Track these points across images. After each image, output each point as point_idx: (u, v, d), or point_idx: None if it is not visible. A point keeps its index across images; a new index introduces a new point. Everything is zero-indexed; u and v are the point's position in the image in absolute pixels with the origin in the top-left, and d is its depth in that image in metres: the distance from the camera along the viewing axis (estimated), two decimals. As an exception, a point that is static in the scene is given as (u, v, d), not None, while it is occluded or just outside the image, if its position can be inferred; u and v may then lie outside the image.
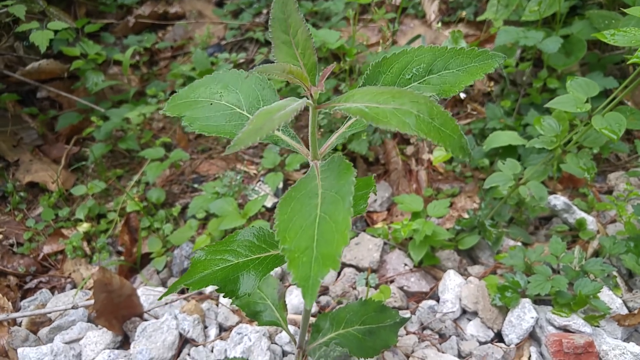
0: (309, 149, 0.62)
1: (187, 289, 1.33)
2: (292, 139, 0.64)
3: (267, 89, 0.66)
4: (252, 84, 0.67)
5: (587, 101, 1.16)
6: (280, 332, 1.17)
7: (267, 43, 2.14)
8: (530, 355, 1.09)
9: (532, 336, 1.15)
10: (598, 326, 1.11)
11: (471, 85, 2.01)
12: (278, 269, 1.32)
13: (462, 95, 1.82)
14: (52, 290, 1.39)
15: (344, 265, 1.37)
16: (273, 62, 0.58)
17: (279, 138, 0.64)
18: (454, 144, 0.48)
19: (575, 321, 1.09)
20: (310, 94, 0.54)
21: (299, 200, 0.52)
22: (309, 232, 0.47)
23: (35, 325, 1.23)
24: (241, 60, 2.06)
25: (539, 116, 1.32)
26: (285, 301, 0.94)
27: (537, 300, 1.21)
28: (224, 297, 0.64)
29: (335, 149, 1.63)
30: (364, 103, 0.51)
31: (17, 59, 2.08)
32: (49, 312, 1.18)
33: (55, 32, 1.67)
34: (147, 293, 1.29)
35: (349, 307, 0.95)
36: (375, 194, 0.77)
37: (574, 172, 1.34)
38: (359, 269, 1.35)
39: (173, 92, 2.02)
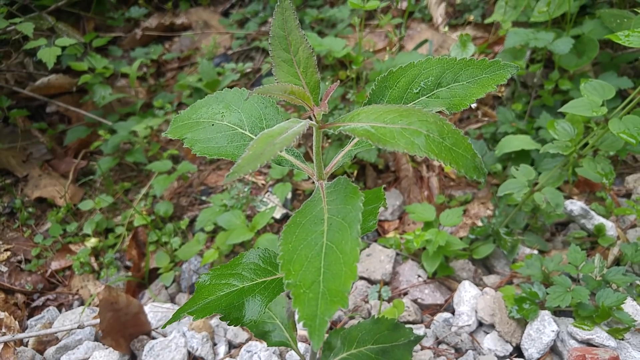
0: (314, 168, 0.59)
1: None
2: (296, 158, 0.62)
3: (269, 107, 0.64)
4: (254, 102, 0.64)
5: (602, 104, 1.12)
6: (291, 350, 1.14)
7: (273, 51, 2.12)
8: (551, 371, 1.05)
9: (553, 350, 1.11)
10: (623, 339, 1.06)
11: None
12: (287, 283, 1.29)
13: (473, 105, 1.78)
14: (60, 307, 1.39)
15: (355, 277, 1.34)
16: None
17: (282, 158, 0.61)
18: (468, 164, 0.45)
19: (599, 334, 1.04)
20: (314, 114, 0.51)
21: (304, 226, 0.49)
22: (315, 264, 0.44)
23: (42, 345, 1.22)
24: (248, 70, 2.05)
25: (552, 120, 1.28)
26: (294, 320, 0.91)
27: (557, 312, 1.16)
28: (228, 324, 0.61)
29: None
30: (369, 122, 0.48)
31: (27, 74, 2.09)
32: (55, 332, 1.17)
33: (63, 48, 1.67)
34: (155, 310, 1.27)
35: (362, 326, 0.92)
36: (386, 208, 0.74)
37: (591, 177, 1.30)
38: (371, 282, 1.32)
39: (180, 103, 2.02)
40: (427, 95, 0.58)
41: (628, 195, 1.53)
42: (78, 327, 1.14)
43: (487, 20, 1.86)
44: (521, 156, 1.55)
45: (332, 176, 0.62)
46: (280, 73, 0.53)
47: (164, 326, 0.63)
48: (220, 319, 0.61)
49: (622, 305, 1.08)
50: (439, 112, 0.55)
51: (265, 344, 1.13)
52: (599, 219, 1.39)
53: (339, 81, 0.56)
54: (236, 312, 0.62)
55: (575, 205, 1.41)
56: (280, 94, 0.49)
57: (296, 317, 1.17)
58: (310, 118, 0.52)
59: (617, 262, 1.30)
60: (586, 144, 1.22)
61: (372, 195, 0.78)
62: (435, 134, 0.45)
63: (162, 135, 0.65)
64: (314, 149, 0.56)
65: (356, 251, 0.43)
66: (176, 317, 0.63)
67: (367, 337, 0.89)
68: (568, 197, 1.51)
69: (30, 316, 1.35)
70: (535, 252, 1.35)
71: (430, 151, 0.44)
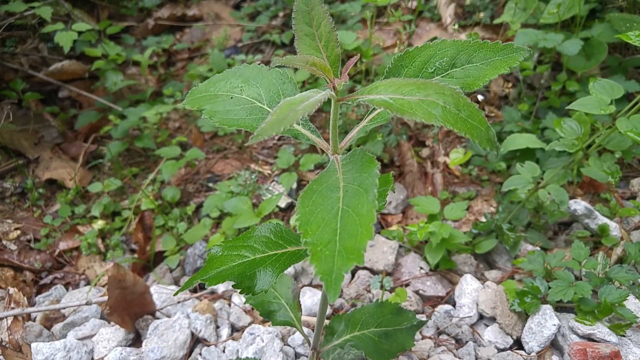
0: (328, 144, 0.61)
1: (200, 288, 1.32)
2: (312, 133, 0.63)
3: (287, 83, 0.65)
4: (273, 78, 0.66)
5: (611, 103, 1.14)
6: (293, 333, 1.16)
7: (283, 45, 2.14)
8: (551, 364, 1.06)
9: (553, 345, 1.12)
10: (624, 335, 1.07)
11: (487, 89, 1.99)
12: (291, 269, 1.31)
13: (480, 97, 1.80)
14: (67, 286, 1.40)
15: (358, 267, 1.35)
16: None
17: (299, 132, 0.63)
18: (482, 135, 0.47)
19: (600, 330, 1.05)
20: (334, 86, 0.53)
21: (320, 193, 0.51)
22: (332, 225, 0.46)
23: (49, 321, 1.24)
24: (258, 62, 2.07)
25: (559, 118, 1.29)
26: (299, 301, 0.92)
27: (559, 307, 1.18)
28: (240, 292, 0.63)
29: (349, 148, 1.61)
30: (388, 95, 0.50)
31: (41, 59, 2.12)
32: (63, 308, 1.19)
33: (79, 33, 1.70)
34: (159, 291, 1.29)
35: (365, 309, 0.93)
36: (394, 191, 0.76)
37: (597, 176, 1.32)
38: (373, 272, 1.33)
39: (189, 93, 2.04)
40: (442, 75, 0.60)
41: (633, 198, 1.54)
42: (86, 304, 1.16)
43: (496, 21, 1.88)
44: (526, 155, 1.56)
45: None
46: (302, 46, 0.55)
47: (176, 293, 0.65)
48: (232, 286, 0.63)
49: (624, 302, 1.09)
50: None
51: (268, 327, 1.15)
52: (602, 219, 1.40)
53: (358, 54, 0.58)
54: (248, 281, 0.63)
55: (580, 205, 1.42)
56: (302, 64, 0.51)
57: (301, 298, 1.18)
58: (330, 90, 0.54)
59: (620, 262, 1.31)
60: (591, 145, 1.24)
61: (382, 180, 0.80)
62: (451, 106, 0.47)
63: (179, 107, 0.67)
64: (330, 122, 0.58)
65: (372, 213, 0.44)
66: (188, 284, 0.65)
67: (371, 320, 0.91)
68: (572, 198, 1.52)
69: (38, 293, 1.37)
70: (538, 248, 1.36)
71: (447, 121, 0.46)
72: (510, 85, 1.71)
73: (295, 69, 1.65)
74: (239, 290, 0.63)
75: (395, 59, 0.61)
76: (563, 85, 1.68)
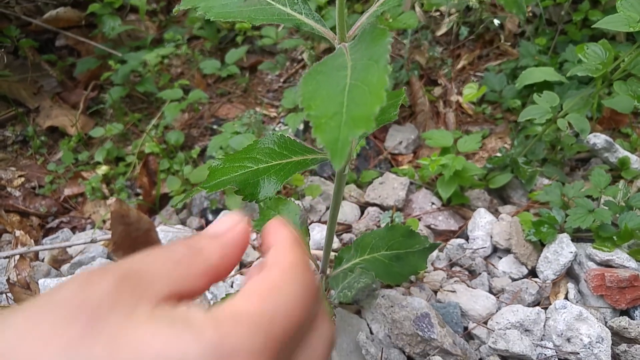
0: (335, 34, 0.56)
1: (206, 223, 1.30)
2: (316, 22, 0.58)
3: (287, -30, 0.59)
4: (271, -34, 0.60)
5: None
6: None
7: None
8: (567, 291, 1.03)
9: (569, 274, 1.09)
10: (643, 261, 1.03)
11: (502, 26, 1.88)
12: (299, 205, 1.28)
13: (496, 22, 1.69)
14: (73, 230, 1.40)
15: (368, 204, 1.32)
16: None
17: (301, 22, 0.58)
18: (508, -6, 0.41)
19: (619, 256, 1.02)
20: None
21: (325, 73, 0.46)
22: (338, 99, 0.41)
23: (57, 263, 1.23)
24: None
25: (581, 44, 1.21)
26: (307, 227, 0.89)
27: (576, 238, 1.14)
28: (243, 199, 0.59)
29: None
30: (400, -45, 0.43)
31: (35, 7, 2.04)
32: (69, 246, 1.18)
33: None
34: (166, 230, 1.27)
35: (375, 233, 0.90)
36: (406, 104, 0.71)
37: (620, 106, 1.25)
38: (383, 208, 1.30)
39: (191, 37, 1.97)
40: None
41: (654, 131, 1.47)
42: (91, 241, 1.15)
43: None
44: (543, 89, 1.47)
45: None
46: None
47: (181, 201, 0.62)
48: (235, 192, 0.59)
49: (645, 229, 1.05)
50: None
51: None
52: (623, 153, 1.34)
53: None
54: (251, 188, 0.60)
55: (599, 138, 1.36)
56: None
57: (310, 233, 1.16)
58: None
59: (641, 193, 1.26)
60: (616, 71, 1.16)
61: (392, 94, 0.76)
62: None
63: (175, 9, 0.61)
64: (337, 5, 0.52)
65: (384, 79, 0.39)
66: (190, 195, 0.61)
67: (381, 244, 0.88)
68: (591, 133, 1.45)
69: (45, 236, 1.36)
70: (555, 182, 1.31)
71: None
72: (527, 23, 1.61)
73: None
74: (242, 197, 0.59)
75: None
76: (585, 16, 1.58)
